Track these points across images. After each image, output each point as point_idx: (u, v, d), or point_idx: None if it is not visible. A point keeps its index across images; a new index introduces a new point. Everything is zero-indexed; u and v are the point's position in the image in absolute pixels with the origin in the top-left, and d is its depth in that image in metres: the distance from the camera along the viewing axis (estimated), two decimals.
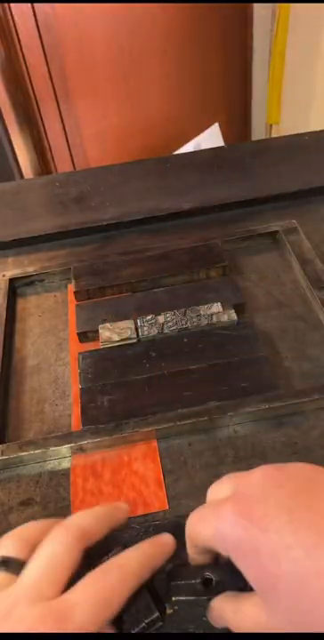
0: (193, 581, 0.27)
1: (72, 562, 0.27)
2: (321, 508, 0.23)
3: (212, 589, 0.26)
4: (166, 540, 0.29)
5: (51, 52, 1.43)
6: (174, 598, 0.27)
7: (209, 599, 0.27)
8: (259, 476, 0.25)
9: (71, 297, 0.55)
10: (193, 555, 0.28)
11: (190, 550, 0.28)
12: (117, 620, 0.26)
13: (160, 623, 0.27)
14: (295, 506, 0.23)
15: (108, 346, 0.48)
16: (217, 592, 0.26)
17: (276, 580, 0.22)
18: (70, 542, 0.27)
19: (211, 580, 0.27)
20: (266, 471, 0.25)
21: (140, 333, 0.49)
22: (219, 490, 0.27)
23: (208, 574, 0.27)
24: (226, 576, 0.26)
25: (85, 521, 0.28)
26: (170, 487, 0.39)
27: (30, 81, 1.47)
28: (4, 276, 0.58)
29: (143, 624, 0.26)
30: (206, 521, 0.26)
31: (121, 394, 0.44)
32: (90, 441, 0.41)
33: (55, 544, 0.27)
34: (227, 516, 0.24)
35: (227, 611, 0.26)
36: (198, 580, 0.27)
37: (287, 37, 1.48)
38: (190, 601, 0.27)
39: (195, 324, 0.49)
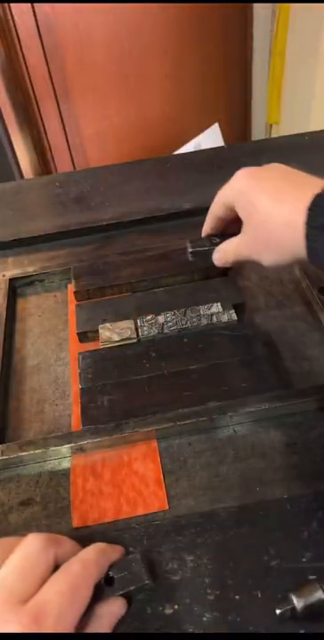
0: (99, 581, 0.31)
1: (45, 564, 0.29)
2: (296, 184, 0.36)
3: (114, 587, 0.31)
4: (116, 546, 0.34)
5: (51, 52, 1.43)
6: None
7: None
8: (259, 168, 0.39)
9: (71, 297, 0.55)
10: (216, 214, 0.44)
11: (215, 209, 0.44)
12: (109, 582, 0.31)
13: (146, 581, 0.32)
14: (281, 181, 0.37)
15: (108, 346, 0.48)
16: (120, 589, 0.31)
17: (254, 212, 0.37)
18: (42, 545, 0.30)
19: (113, 578, 0.32)
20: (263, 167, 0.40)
21: (140, 333, 0.49)
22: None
23: (111, 573, 0.32)
24: (128, 573, 0.32)
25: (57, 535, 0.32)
26: (170, 487, 0.39)
27: (30, 81, 1.47)
28: (4, 276, 0.58)
29: (132, 587, 0.31)
30: (227, 185, 0.41)
31: (121, 394, 0.44)
32: (90, 441, 0.41)
33: (28, 547, 0.29)
34: (239, 174, 0.39)
35: (224, 246, 0.44)
36: (103, 580, 0.31)
37: (287, 37, 1.48)
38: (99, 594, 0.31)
39: (195, 324, 0.49)
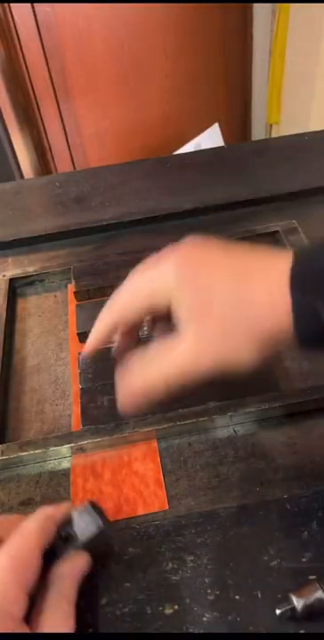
0: (53, 544, 0.32)
1: None
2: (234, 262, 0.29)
3: (73, 543, 0.32)
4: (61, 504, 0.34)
5: (51, 52, 1.43)
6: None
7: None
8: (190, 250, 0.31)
9: (71, 297, 0.55)
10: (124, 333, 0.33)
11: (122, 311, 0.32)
12: (65, 540, 0.32)
13: (102, 526, 0.32)
14: (219, 262, 0.29)
15: (108, 346, 0.48)
16: (78, 543, 0.32)
17: (210, 306, 0.28)
18: None
19: (68, 534, 0.32)
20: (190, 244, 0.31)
21: (140, 333, 0.49)
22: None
23: (63, 532, 0.32)
24: (82, 525, 0.32)
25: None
26: (170, 487, 0.39)
27: (30, 81, 1.47)
28: (4, 276, 0.58)
29: (90, 535, 0.32)
30: (148, 269, 0.31)
31: None
32: (90, 441, 0.41)
33: None
34: (172, 259, 0.29)
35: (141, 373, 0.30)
36: (58, 540, 0.32)
37: (287, 37, 1.48)
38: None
39: None
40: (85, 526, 0.32)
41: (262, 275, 0.28)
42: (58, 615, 0.29)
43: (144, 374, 0.30)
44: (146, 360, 0.31)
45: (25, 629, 0.27)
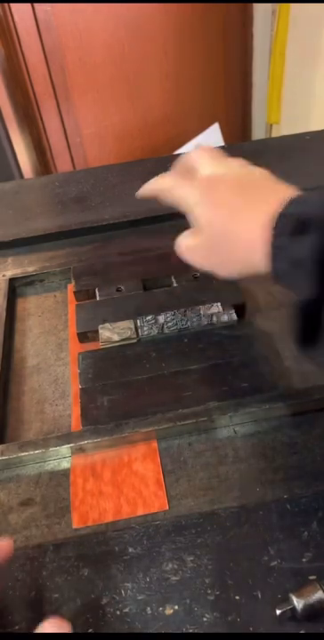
0: None
1: None
2: (253, 200, 0.34)
3: None
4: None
5: (51, 52, 1.43)
6: None
7: None
8: (219, 178, 0.37)
9: (71, 297, 0.55)
10: (161, 193, 0.42)
11: (165, 192, 0.41)
12: None
13: None
14: (239, 196, 0.35)
15: (108, 346, 0.48)
16: None
17: (213, 225, 0.35)
18: None
19: None
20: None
21: (140, 333, 0.49)
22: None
23: None
24: None
25: None
26: (170, 487, 0.39)
27: (30, 81, 1.47)
28: (4, 276, 0.58)
29: None
30: (186, 184, 0.38)
31: (121, 394, 0.44)
32: (90, 441, 0.41)
33: None
34: (199, 181, 0.37)
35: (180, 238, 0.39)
36: None
37: (287, 37, 1.48)
38: None
39: (195, 324, 0.49)
40: None
41: (252, 213, 0.33)
42: None
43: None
44: (182, 238, 0.40)
45: None
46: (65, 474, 0.41)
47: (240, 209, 0.34)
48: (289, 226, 0.30)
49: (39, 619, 0.32)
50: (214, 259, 0.37)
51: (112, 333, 0.49)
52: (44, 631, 0.30)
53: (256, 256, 0.32)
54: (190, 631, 0.31)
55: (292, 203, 0.31)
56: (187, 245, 0.39)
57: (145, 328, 0.49)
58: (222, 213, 0.35)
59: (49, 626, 0.30)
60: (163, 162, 0.77)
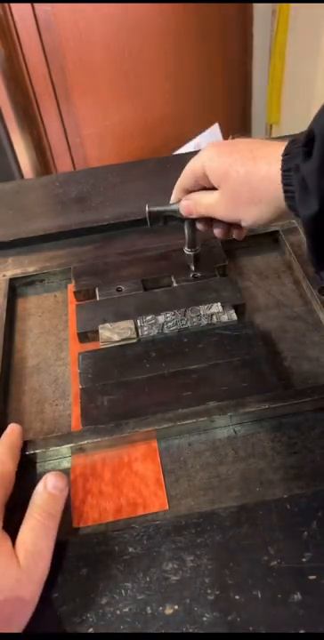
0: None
1: None
2: (265, 143, 0.38)
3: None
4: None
5: (51, 51, 1.43)
6: None
7: None
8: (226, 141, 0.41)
9: (71, 297, 0.55)
10: (184, 186, 0.44)
11: (183, 181, 0.44)
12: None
13: None
14: (251, 143, 0.38)
15: (108, 346, 0.48)
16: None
17: (230, 172, 0.38)
18: None
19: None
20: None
21: (140, 333, 0.49)
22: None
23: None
24: None
25: None
26: (170, 487, 0.39)
27: (30, 81, 1.47)
28: (4, 276, 0.58)
29: None
30: (195, 157, 0.42)
31: (121, 394, 0.44)
32: (90, 441, 0.41)
33: None
34: (207, 146, 0.40)
35: (195, 196, 0.43)
36: None
37: (287, 37, 1.48)
38: None
39: (195, 323, 0.49)
40: None
41: (266, 149, 0.36)
42: (38, 530, 0.33)
43: (196, 199, 0.44)
44: (200, 194, 0.43)
45: (6, 537, 0.33)
46: (65, 473, 0.41)
47: (254, 149, 0.37)
48: (299, 148, 0.33)
49: (39, 618, 0.32)
50: (238, 205, 0.39)
51: (112, 333, 0.49)
52: (48, 481, 0.36)
53: (275, 187, 0.35)
54: (190, 631, 0.31)
55: (302, 133, 0.34)
56: (208, 203, 0.42)
57: (145, 328, 0.49)
58: (238, 157, 0.38)
59: (52, 477, 0.36)
60: (163, 162, 0.77)
